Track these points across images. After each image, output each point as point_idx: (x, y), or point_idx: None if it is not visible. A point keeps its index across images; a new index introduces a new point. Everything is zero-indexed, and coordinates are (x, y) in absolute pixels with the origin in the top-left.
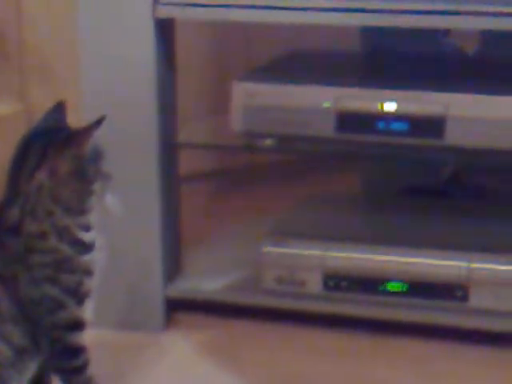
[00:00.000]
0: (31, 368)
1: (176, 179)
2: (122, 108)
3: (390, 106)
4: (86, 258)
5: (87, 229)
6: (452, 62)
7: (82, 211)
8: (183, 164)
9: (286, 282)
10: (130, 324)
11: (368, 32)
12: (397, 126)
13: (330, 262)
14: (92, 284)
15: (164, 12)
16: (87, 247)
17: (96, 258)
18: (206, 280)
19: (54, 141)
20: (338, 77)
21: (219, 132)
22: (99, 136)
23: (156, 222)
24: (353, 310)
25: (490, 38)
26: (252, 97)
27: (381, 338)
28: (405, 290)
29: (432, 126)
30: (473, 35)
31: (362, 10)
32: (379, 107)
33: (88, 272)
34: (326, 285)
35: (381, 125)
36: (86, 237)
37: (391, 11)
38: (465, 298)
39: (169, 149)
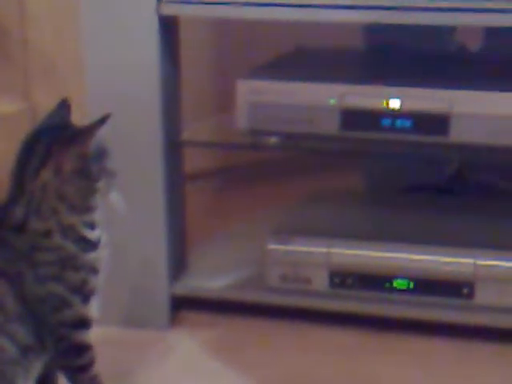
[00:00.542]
0: (37, 366)
1: (180, 177)
2: (126, 106)
3: (394, 104)
4: (91, 255)
5: (92, 227)
6: (456, 59)
7: (87, 209)
8: (188, 162)
9: (291, 279)
10: (135, 322)
11: (372, 29)
12: (401, 123)
13: (335, 259)
14: (97, 282)
15: (168, 9)
16: (92, 245)
17: (101, 256)
18: (212, 278)
19: (58, 139)
20: (342, 74)
21: (224, 130)
22: (104, 134)
23: (161, 220)
24: (358, 308)
25: (494, 35)
26: (256, 95)
27: (387, 335)
28: (411, 287)
29: (436, 123)
30: (477, 32)
31: (366, 7)
32: (384, 104)
33: (93, 270)
34: (331, 282)
35: (385, 122)
36: (91, 234)
37: (395, 8)
38: (471, 295)
39: (173, 147)
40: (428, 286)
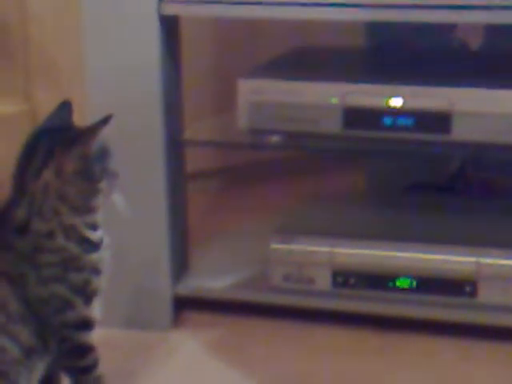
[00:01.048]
0: (40, 367)
1: (182, 177)
2: (127, 106)
3: (396, 102)
4: (94, 256)
5: (94, 227)
6: (458, 56)
7: (89, 210)
8: (189, 162)
9: (295, 279)
10: (138, 323)
11: (374, 27)
12: (403, 121)
13: (338, 259)
14: (100, 283)
15: (169, 9)
16: (94, 246)
17: (103, 257)
18: (214, 278)
19: (60, 140)
20: (344, 73)
21: (225, 129)
22: (105, 134)
23: (163, 220)
24: (361, 307)
25: (496, 32)
26: (258, 94)
27: (390, 335)
28: (414, 286)
29: (438, 121)
30: (478, 30)
31: (368, 6)
32: (386, 103)
33: (95, 270)
34: (334, 281)
35: (387, 121)
36: (93, 235)
37: (397, 6)
38: (474, 293)
39: (175, 147)
40: (431, 284)
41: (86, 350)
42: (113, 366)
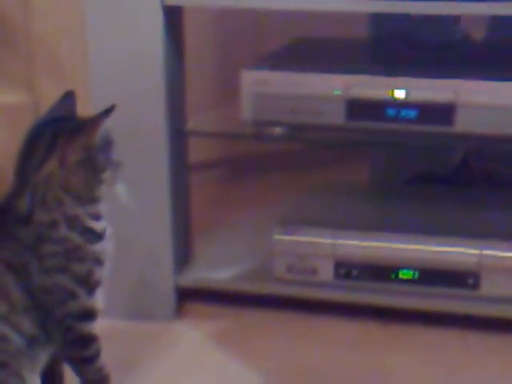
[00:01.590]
0: (43, 357)
1: (185, 168)
2: (131, 97)
3: (399, 94)
4: (97, 246)
5: (97, 218)
6: (461, 48)
7: (93, 200)
8: (192, 153)
9: (297, 270)
10: (140, 313)
11: (377, 19)
12: (406, 113)
13: (341, 250)
14: (103, 273)
15: (172, 0)
16: (98, 236)
17: (106, 247)
18: (217, 269)
19: (63, 130)
20: (347, 64)
21: (228, 120)
22: (109, 125)
23: (166, 211)
24: (364, 298)
25: (499, 24)
26: (261, 85)
27: (392, 326)
28: (416, 277)
29: (442, 113)
30: (482, 21)
31: None
32: (389, 95)
33: (98, 261)
34: (337, 273)
35: (391, 112)
36: (97, 226)
37: None
38: (476, 285)
39: (178, 138)
40: (433, 276)
41: (89, 340)
42: (116, 356)
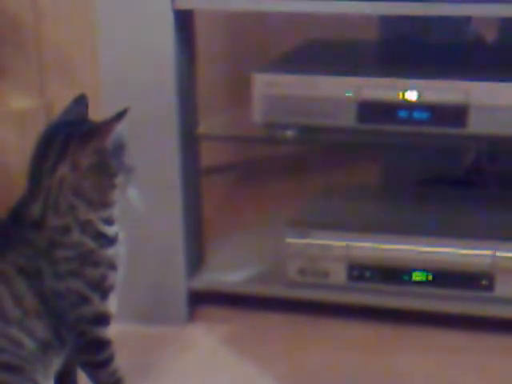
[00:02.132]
0: (56, 362)
1: (197, 171)
2: (141, 100)
3: (411, 95)
4: (110, 251)
5: (110, 222)
6: (473, 49)
7: (105, 205)
8: (204, 156)
9: (310, 272)
10: (153, 317)
11: (388, 20)
12: (418, 115)
13: (353, 253)
14: (116, 278)
15: (183, 3)
16: (110, 241)
17: (119, 252)
18: (229, 272)
19: (75, 134)
20: (358, 66)
21: (239, 123)
22: (121, 129)
23: (178, 214)
24: (377, 301)
25: (511, 25)
26: (272, 87)
27: (405, 328)
28: (429, 279)
29: (454, 114)
30: (493, 22)
31: None
32: (401, 96)
33: (111, 265)
34: (349, 275)
35: (402, 114)
36: (109, 230)
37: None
38: (490, 287)
39: (190, 141)
40: (447, 278)
41: (102, 344)
42: (129, 360)
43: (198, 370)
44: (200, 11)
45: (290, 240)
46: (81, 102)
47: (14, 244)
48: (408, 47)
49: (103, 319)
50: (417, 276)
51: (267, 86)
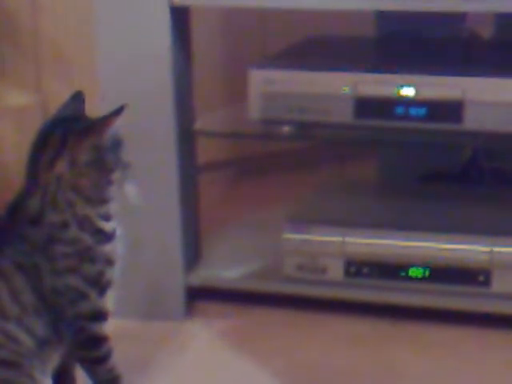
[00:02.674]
0: (54, 358)
1: (194, 168)
2: (138, 97)
3: (408, 91)
4: (107, 247)
5: (107, 218)
6: (469, 46)
7: (102, 201)
8: (201, 153)
9: (307, 268)
10: (151, 313)
11: (385, 17)
12: (415, 111)
13: (351, 249)
14: (113, 274)
15: (180, 0)
16: (108, 237)
17: (117, 248)
18: (227, 268)
19: (73, 130)
20: (355, 62)
21: (237, 120)
22: (118, 125)
23: (175, 211)
24: (374, 296)
25: (506, 21)
26: (269, 84)
27: (403, 324)
28: (426, 275)
29: (450, 110)
30: (489, 18)
31: None
32: (397, 92)
33: (109, 261)
34: (347, 271)
35: (399, 110)
36: (107, 226)
37: None
38: (487, 282)
39: (186, 137)
40: (444, 274)
41: (100, 340)
42: (126, 356)
43: (196, 366)
44: (197, 8)
45: (287, 236)
46: (77, 98)
47: (11, 240)
48: (404, 43)
49: (100, 315)
50: (414, 272)
51: (264, 82)
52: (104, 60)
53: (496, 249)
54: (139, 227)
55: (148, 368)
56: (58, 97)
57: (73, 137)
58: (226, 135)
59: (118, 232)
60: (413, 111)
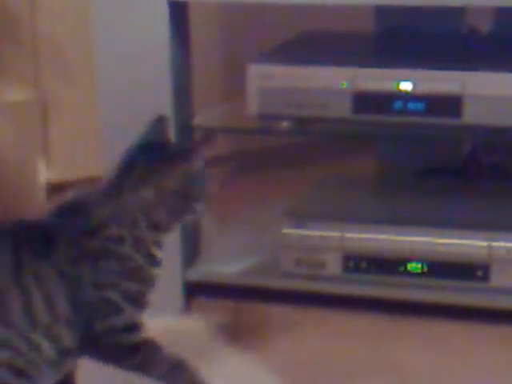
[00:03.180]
0: (69, 366)
1: None
2: (137, 93)
3: (406, 86)
4: (155, 271)
5: (160, 246)
6: (468, 40)
7: (167, 229)
8: None
9: (306, 264)
10: (150, 308)
11: (383, 11)
12: (413, 105)
13: (349, 244)
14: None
15: None
16: (157, 262)
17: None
18: (225, 263)
19: (160, 158)
20: (353, 57)
21: (235, 115)
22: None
23: None
24: (373, 291)
25: (505, 15)
26: (267, 79)
27: (401, 319)
28: (425, 270)
29: (449, 105)
30: (488, 13)
31: None
32: (396, 87)
33: (152, 285)
34: (345, 266)
35: (398, 105)
36: (159, 253)
37: None
38: (486, 277)
39: (185, 133)
40: (442, 269)
41: (134, 348)
42: None
43: (194, 361)
44: (195, 3)
45: (286, 231)
46: (161, 122)
47: (61, 245)
48: (403, 39)
49: (133, 327)
50: (413, 267)
51: (262, 77)
52: (101, 56)
53: (494, 244)
54: None
55: None
56: (55, 93)
57: (162, 163)
58: (224, 130)
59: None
60: (411, 106)
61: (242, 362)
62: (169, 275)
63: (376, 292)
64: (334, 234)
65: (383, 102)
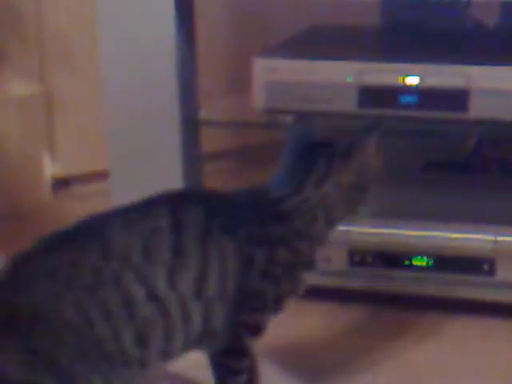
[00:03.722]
0: (194, 351)
1: (198, 157)
2: (142, 86)
3: (412, 80)
4: (304, 275)
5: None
6: (474, 34)
7: (334, 224)
8: (204, 142)
9: None
10: None
11: (389, 5)
12: (420, 100)
13: (354, 238)
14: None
15: None
16: (313, 267)
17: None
18: None
19: (335, 154)
20: (359, 51)
21: (240, 109)
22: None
23: None
24: (378, 286)
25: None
26: (273, 73)
27: (407, 313)
28: (430, 264)
29: (455, 99)
30: (494, 7)
31: None
32: (401, 81)
33: (299, 291)
34: (351, 260)
35: (403, 99)
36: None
37: None
38: (491, 271)
39: (190, 127)
40: (448, 263)
41: (244, 353)
42: None
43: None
44: None
45: None
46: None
47: (249, 224)
48: (408, 33)
49: (259, 331)
50: (418, 261)
51: (268, 71)
52: (106, 48)
53: (500, 238)
54: None
55: None
56: (60, 88)
57: (338, 160)
58: (229, 124)
59: None
60: (417, 100)
61: None
62: None
63: (382, 286)
64: (340, 227)
65: (389, 96)
